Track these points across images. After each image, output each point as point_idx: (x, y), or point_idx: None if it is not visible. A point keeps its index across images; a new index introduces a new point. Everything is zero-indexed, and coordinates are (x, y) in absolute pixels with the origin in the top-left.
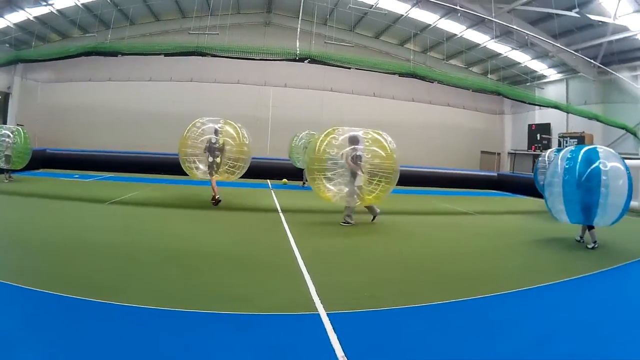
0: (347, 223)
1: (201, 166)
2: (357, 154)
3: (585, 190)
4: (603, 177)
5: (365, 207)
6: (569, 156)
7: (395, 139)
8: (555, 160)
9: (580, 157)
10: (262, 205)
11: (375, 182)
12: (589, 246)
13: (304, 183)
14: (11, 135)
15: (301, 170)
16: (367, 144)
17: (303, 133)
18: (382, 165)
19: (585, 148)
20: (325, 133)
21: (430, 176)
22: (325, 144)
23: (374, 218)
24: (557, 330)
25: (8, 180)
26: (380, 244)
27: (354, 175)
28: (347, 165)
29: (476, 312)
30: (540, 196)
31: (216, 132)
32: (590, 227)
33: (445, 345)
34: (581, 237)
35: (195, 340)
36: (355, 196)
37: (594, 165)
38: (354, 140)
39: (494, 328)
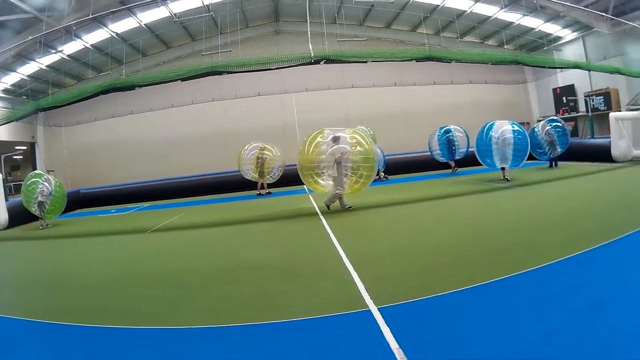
0: (328, 207)
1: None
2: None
3: (500, 148)
4: (508, 141)
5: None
6: (493, 131)
7: (422, 124)
8: (481, 134)
9: (496, 130)
10: (303, 210)
11: (358, 174)
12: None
13: None
14: (47, 185)
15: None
16: (352, 141)
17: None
18: (362, 160)
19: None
20: (311, 137)
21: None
22: (313, 146)
23: (346, 208)
24: (612, 293)
25: (43, 227)
26: (421, 231)
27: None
28: (334, 160)
29: (523, 286)
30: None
31: (336, 139)
32: (503, 168)
33: (496, 325)
34: (505, 178)
35: (257, 352)
36: (342, 185)
37: (506, 135)
38: (336, 139)
39: (546, 299)
